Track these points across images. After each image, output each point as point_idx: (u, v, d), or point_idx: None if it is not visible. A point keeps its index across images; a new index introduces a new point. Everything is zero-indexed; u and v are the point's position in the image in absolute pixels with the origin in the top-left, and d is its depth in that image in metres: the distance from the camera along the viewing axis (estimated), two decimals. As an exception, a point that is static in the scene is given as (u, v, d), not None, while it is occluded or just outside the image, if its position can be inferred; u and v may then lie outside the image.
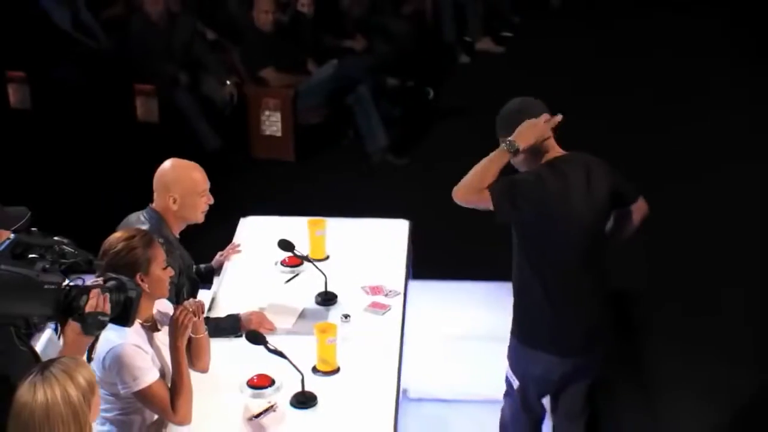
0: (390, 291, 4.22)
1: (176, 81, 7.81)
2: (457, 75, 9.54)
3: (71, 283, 2.93)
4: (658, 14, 10.45)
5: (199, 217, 4.04)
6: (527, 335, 3.81)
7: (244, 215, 4.90)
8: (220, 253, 4.52)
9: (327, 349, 3.70)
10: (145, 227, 3.87)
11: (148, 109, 7.77)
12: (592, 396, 4.02)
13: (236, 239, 4.66)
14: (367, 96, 7.70)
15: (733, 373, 5.12)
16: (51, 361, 2.73)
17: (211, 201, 4.06)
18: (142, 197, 5.73)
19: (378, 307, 4.11)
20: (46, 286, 2.82)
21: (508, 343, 3.93)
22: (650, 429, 4.89)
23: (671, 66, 9.35)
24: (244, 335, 3.67)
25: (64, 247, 2.97)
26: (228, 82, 7.85)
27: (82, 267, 3.00)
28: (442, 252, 6.02)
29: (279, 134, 7.73)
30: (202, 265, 4.40)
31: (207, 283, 4.35)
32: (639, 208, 3.90)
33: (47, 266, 2.89)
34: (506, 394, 4.01)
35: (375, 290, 4.21)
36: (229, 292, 4.24)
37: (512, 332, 3.89)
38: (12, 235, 2.92)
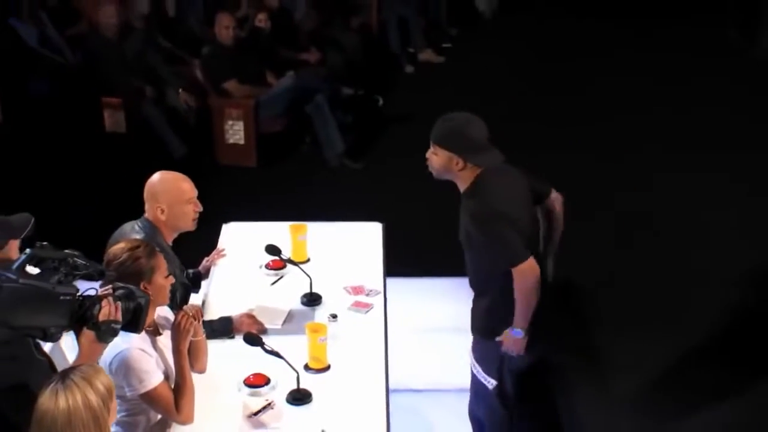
0: (371, 290, 4.15)
1: (142, 93, 7.68)
2: (402, 83, 9.55)
3: (84, 293, 2.85)
4: (581, 22, 10.62)
5: (190, 225, 3.92)
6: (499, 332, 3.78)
7: (210, 219, 4.77)
8: (206, 258, 4.42)
9: (318, 347, 3.63)
10: (139, 236, 3.77)
11: (115, 121, 7.62)
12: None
13: (220, 244, 4.56)
14: (324, 105, 7.64)
15: (684, 359, 5.16)
16: (70, 369, 2.65)
17: (200, 208, 3.94)
18: (113, 204, 5.64)
19: (361, 306, 4.04)
20: (61, 298, 2.75)
21: (471, 354, 3.92)
22: (605, 413, 4.91)
23: (593, 68, 9.52)
24: (242, 337, 3.58)
25: (76, 259, 2.88)
26: (181, 90, 7.73)
27: (94, 278, 2.90)
28: (403, 250, 6.00)
29: (242, 142, 7.64)
30: (191, 270, 4.28)
31: (195, 287, 4.25)
32: (556, 199, 3.91)
33: (62, 278, 2.80)
34: (480, 398, 3.94)
35: (356, 290, 4.15)
36: (219, 295, 4.14)
37: (482, 335, 3.86)
38: (28, 250, 2.81)
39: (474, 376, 3.93)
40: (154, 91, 7.75)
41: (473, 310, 3.90)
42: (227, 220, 4.84)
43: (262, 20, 8.04)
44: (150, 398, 3.27)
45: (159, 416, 3.42)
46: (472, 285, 3.91)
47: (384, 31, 9.81)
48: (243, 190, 7.19)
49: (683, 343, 5.28)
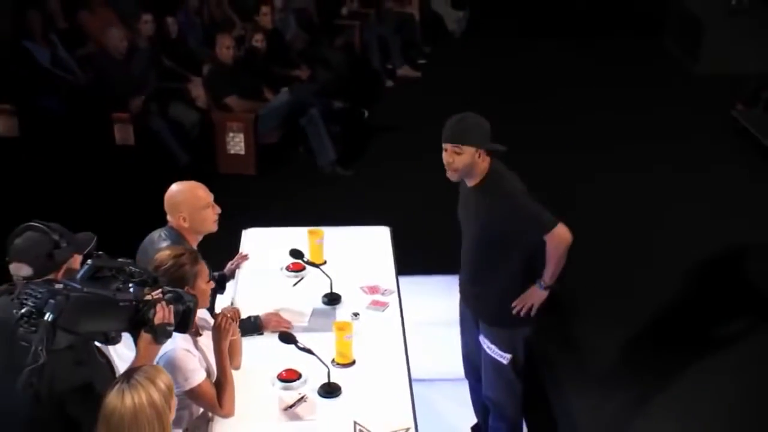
0: (385, 290, 4.10)
1: (148, 108, 7.57)
2: (384, 97, 9.51)
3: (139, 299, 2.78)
4: (535, 41, 10.70)
5: (213, 227, 3.82)
6: (514, 318, 3.76)
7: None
8: (231, 262, 4.33)
9: (345, 344, 3.58)
10: (166, 243, 3.69)
11: (124, 134, 7.48)
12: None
13: (242, 249, 4.48)
14: (317, 118, 7.58)
15: (657, 352, 5.19)
16: (134, 370, 2.60)
17: (218, 210, 3.84)
18: (124, 212, 5.53)
19: (378, 305, 3.98)
20: (121, 304, 2.68)
21: (481, 333, 3.88)
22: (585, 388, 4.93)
23: (549, 79, 9.64)
24: (277, 336, 3.51)
25: (131, 267, 2.81)
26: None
27: (149, 284, 2.83)
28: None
29: (242, 152, 7.55)
30: (216, 273, 4.20)
31: (221, 288, 4.17)
32: None
33: (120, 286, 2.73)
34: (497, 376, 3.89)
35: (372, 290, 4.09)
36: (245, 296, 4.06)
37: (495, 322, 3.81)
38: (89, 261, 2.73)
39: (488, 359, 3.86)
40: (158, 106, 7.64)
41: (482, 302, 3.84)
42: (230, 224, 4.72)
43: (258, 40, 7.95)
44: (195, 395, 3.20)
45: (201, 410, 3.35)
46: (477, 279, 3.85)
47: (366, 50, 9.75)
48: (244, 197, 7.10)
49: (647, 331, 5.34)
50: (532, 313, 3.74)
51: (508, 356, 3.81)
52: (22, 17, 7.67)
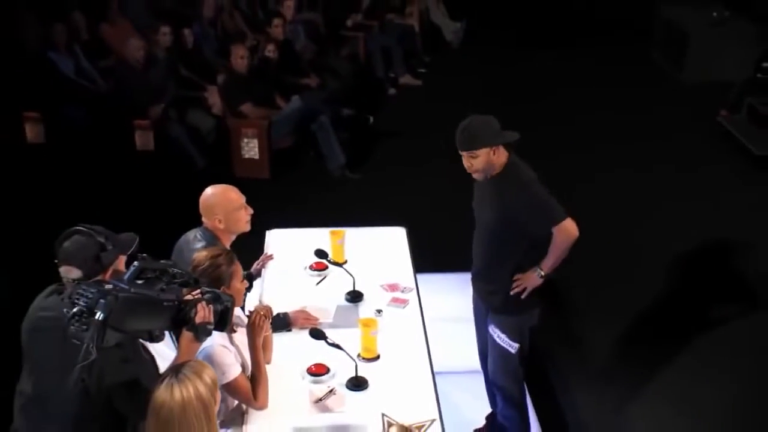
0: (405, 288, 4.08)
1: (167, 115, 7.54)
2: (387, 104, 9.48)
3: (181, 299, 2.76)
4: (537, 53, 10.69)
5: (246, 227, 3.82)
6: (522, 304, 3.76)
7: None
8: (257, 261, 4.31)
9: (370, 339, 3.56)
10: (201, 244, 3.67)
11: (145, 140, 7.44)
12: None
13: (267, 249, 4.45)
14: (327, 124, 7.55)
15: (654, 345, 5.18)
16: (181, 365, 2.58)
17: (251, 211, 3.84)
18: (145, 213, 5.47)
19: (399, 302, 3.96)
20: (165, 304, 2.67)
21: (491, 323, 3.86)
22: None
23: (542, 89, 9.60)
24: (308, 332, 3.48)
25: (174, 269, 2.79)
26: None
27: (190, 285, 2.80)
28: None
29: (257, 157, 7.51)
30: (244, 272, 4.17)
31: (248, 287, 4.13)
32: None
33: (164, 287, 2.71)
34: (505, 363, 3.88)
35: (392, 287, 4.07)
36: (273, 293, 4.02)
37: (505, 313, 3.80)
38: (135, 263, 2.71)
39: (497, 347, 3.86)
40: (176, 113, 7.61)
41: (491, 291, 3.82)
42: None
43: (271, 51, 7.91)
44: (231, 388, 3.18)
45: (236, 403, 3.32)
46: (486, 269, 3.84)
47: (370, 59, 9.71)
48: (259, 199, 7.03)
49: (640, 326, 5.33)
50: (523, 296, 3.72)
51: (516, 345, 3.81)
52: (47, 30, 7.62)
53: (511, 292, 3.73)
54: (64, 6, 8.14)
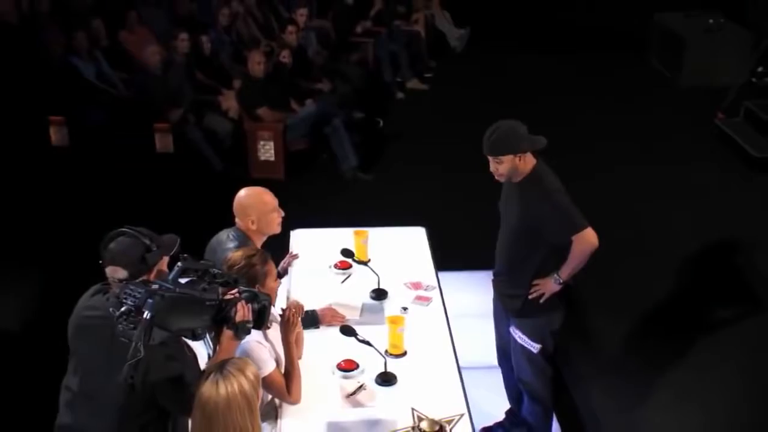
0: (427, 286, 4.06)
1: (186, 118, 7.51)
2: (395, 107, 9.46)
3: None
4: (538, 59, 10.67)
5: (277, 229, 3.80)
6: (541, 308, 3.73)
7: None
8: (283, 261, 4.28)
9: (397, 336, 3.54)
10: (233, 244, 3.65)
11: (165, 142, 7.41)
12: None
13: (292, 248, 4.43)
14: (341, 127, 7.52)
15: (661, 340, 5.16)
16: (225, 362, 2.56)
17: (282, 214, 3.81)
18: (165, 213, 5.45)
19: (422, 300, 3.95)
20: (207, 303, 2.65)
21: (512, 325, 3.83)
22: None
23: (542, 92, 9.59)
24: (338, 329, 3.46)
25: (214, 269, 2.77)
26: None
27: (230, 285, 2.78)
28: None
29: (272, 159, 7.48)
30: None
31: (276, 285, 4.11)
32: None
33: (206, 286, 2.69)
34: (528, 363, 3.85)
35: (415, 286, 4.05)
36: (300, 291, 4.00)
37: (527, 315, 3.76)
38: (178, 264, 2.69)
39: (520, 348, 3.82)
40: (194, 117, 7.58)
41: (512, 298, 3.78)
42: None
43: (285, 56, 7.89)
44: (266, 383, 3.15)
45: (270, 397, 3.30)
46: (508, 273, 3.80)
47: (378, 65, 9.68)
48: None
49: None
50: (541, 301, 3.69)
51: (538, 346, 3.79)
52: (69, 37, 7.59)
53: (530, 297, 3.70)
54: (85, 14, 8.13)
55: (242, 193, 3.81)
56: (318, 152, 7.73)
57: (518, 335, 3.83)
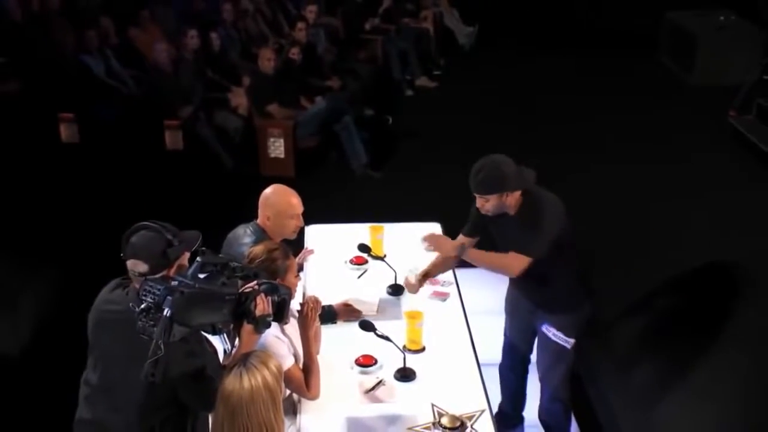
0: (444, 281, 4.03)
1: (196, 115, 7.50)
2: (404, 105, 9.44)
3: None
4: (546, 57, 10.66)
5: (291, 236, 3.71)
6: (576, 301, 3.73)
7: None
8: (298, 256, 4.25)
9: (416, 331, 3.51)
10: (250, 239, 3.63)
11: (175, 140, 7.40)
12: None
13: (307, 244, 4.41)
14: (351, 124, 7.51)
15: (678, 339, 5.12)
16: (248, 355, 2.54)
17: (302, 224, 3.72)
18: (175, 210, 5.42)
19: (440, 295, 3.93)
20: (227, 297, 2.63)
21: (544, 322, 3.80)
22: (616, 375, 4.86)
23: (549, 87, 9.64)
24: (357, 324, 3.44)
25: (234, 263, 2.75)
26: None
27: (250, 278, 2.76)
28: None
29: (282, 156, 7.46)
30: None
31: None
32: None
33: (225, 281, 2.67)
34: (559, 361, 3.80)
35: (432, 281, 4.01)
36: (316, 287, 3.97)
37: (561, 311, 3.72)
38: (198, 258, 2.67)
39: (550, 344, 3.77)
40: (204, 114, 7.57)
41: (542, 294, 3.72)
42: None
43: (295, 53, 7.87)
44: (285, 378, 3.09)
45: (288, 393, 3.28)
46: (533, 281, 3.71)
47: (387, 62, 9.66)
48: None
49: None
50: (426, 247, 3.64)
51: (572, 341, 3.74)
52: (79, 34, 7.58)
53: (422, 240, 3.62)
54: (94, 12, 8.12)
55: (271, 188, 3.75)
56: (328, 149, 7.71)
57: (552, 332, 3.77)
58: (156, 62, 7.53)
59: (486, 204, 3.52)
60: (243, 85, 7.89)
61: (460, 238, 3.78)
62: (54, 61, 7.34)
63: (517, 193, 3.52)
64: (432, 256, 4.12)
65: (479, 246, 3.72)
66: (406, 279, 3.79)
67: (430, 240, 3.65)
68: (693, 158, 7.60)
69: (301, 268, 4.18)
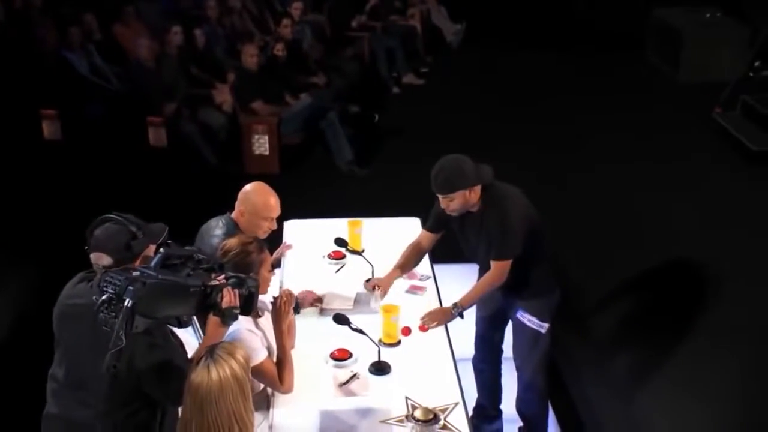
0: (422, 275, 4.02)
1: (179, 112, 7.47)
2: (391, 102, 9.42)
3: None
4: (534, 55, 10.67)
5: (261, 236, 3.61)
6: (548, 286, 3.76)
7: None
8: (276, 251, 4.23)
9: (391, 325, 3.50)
10: (221, 231, 3.61)
11: (158, 137, 7.38)
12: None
13: (285, 239, 4.39)
14: (336, 121, 7.49)
15: (658, 332, 5.14)
16: (214, 346, 2.51)
17: (274, 227, 3.68)
18: (158, 207, 5.40)
19: (416, 289, 3.91)
20: (192, 289, 2.60)
21: (518, 309, 3.79)
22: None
23: (537, 84, 9.64)
24: (332, 317, 3.43)
25: (198, 255, 2.73)
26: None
27: (215, 270, 2.74)
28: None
29: (267, 153, 7.44)
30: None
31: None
32: None
33: (190, 272, 2.64)
34: (534, 346, 3.81)
35: (410, 276, 4.00)
36: (293, 281, 3.95)
37: (533, 297, 3.75)
38: (161, 250, 2.65)
39: (526, 331, 3.79)
40: (188, 111, 7.55)
41: (515, 284, 3.70)
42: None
43: (279, 49, 7.85)
44: (258, 372, 3.11)
45: (261, 387, 3.27)
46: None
47: (374, 59, 9.64)
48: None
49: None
50: (429, 327, 3.60)
51: (546, 325, 3.77)
52: (62, 30, 7.55)
53: (420, 326, 3.61)
54: (77, 8, 8.08)
55: (253, 184, 3.70)
56: (313, 146, 7.69)
57: (527, 318, 3.79)
58: (138, 58, 7.50)
59: (451, 204, 3.54)
60: (228, 82, 7.87)
61: (423, 233, 3.84)
62: (36, 57, 7.29)
63: (479, 189, 3.53)
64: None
65: (444, 242, 3.78)
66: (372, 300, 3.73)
67: (430, 319, 3.62)
68: (677, 155, 7.61)
69: (278, 264, 4.17)
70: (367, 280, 3.86)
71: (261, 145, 7.43)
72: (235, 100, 7.49)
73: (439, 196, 3.55)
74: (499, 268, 3.56)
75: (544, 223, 3.73)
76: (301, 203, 6.61)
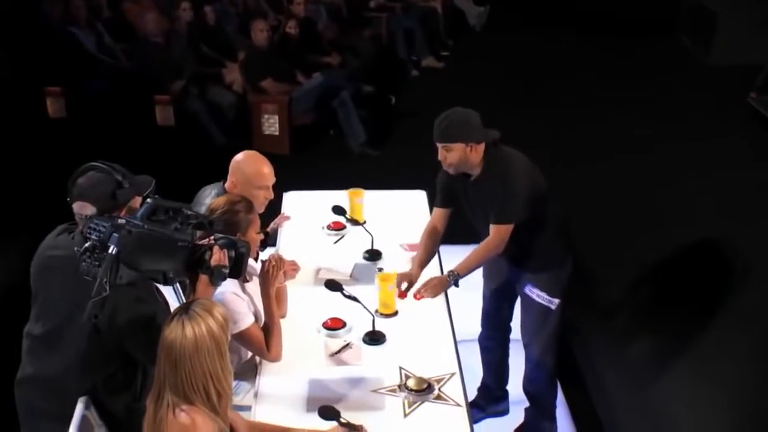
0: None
1: (187, 91, 7.47)
2: (409, 85, 9.37)
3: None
4: (560, 39, 10.54)
5: (258, 208, 3.47)
6: (558, 258, 3.67)
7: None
8: (273, 222, 4.20)
9: (388, 294, 3.45)
10: (215, 191, 3.59)
11: (165, 115, 7.38)
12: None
13: (283, 210, 4.35)
14: (348, 101, 7.45)
15: (676, 318, 5.03)
16: (191, 302, 2.46)
17: (271, 196, 3.58)
18: (164, 187, 5.39)
19: (415, 249, 3.83)
20: (179, 244, 2.55)
21: (527, 284, 3.72)
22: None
23: (562, 67, 9.51)
24: (323, 284, 3.38)
25: (188, 210, 2.69)
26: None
27: (205, 227, 2.70)
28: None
29: (277, 133, 7.42)
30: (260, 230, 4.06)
31: (262, 246, 4.01)
32: None
33: (178, 227, 2.60)
34: (544, 322, 3.71)
35: (412, 247, 3.93)
36: (290, 252, 3.88)
37: (543, 269, 3.66)
38: (149, 200, 2.61)
39: (535, 307, 3.69)
40: (197, 89, 7.54)
41: (521, 254, 3.64)
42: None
43: (291, 27, 7.84)
44: (243, 338, 3.08)
45: (250, 355, 3.23)
46: (512, 246, 3.64)
47: (392, 41, 9.60)
48: (277, 174, 6.96)
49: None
50: (427, 296, 3.47)
51: (557, 301, 3.67)
52: (67, 5, 7.58)
53: (416, 296, 3.49)
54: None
55: (243, 153, 3.62)
56: (324, 127, 7.66)
57: (536, 293, 3.70)
58: (146, 34, 7.51)
59: (448, 156, 3.44)
60: (239, 61, 7.86)
61: (435, 213, 3.74)
62: (43, 33, 7.33)
63: (481, 149, 3.44)
64: (416, 223, 4.05)
65: (453, 217, 3.70)
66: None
67: (425, 290, 3.48)
68: (711, 139, 7.46)
69: (275, 234, 4.13)
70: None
71: (271, 125, 7.42)
72: (243, 77, 7.47)
73: (438, 146, 3.47)
74: (499, 233, 3.45)
75: (552, 190, 3.65)
76: (312, 183, 6.57)
